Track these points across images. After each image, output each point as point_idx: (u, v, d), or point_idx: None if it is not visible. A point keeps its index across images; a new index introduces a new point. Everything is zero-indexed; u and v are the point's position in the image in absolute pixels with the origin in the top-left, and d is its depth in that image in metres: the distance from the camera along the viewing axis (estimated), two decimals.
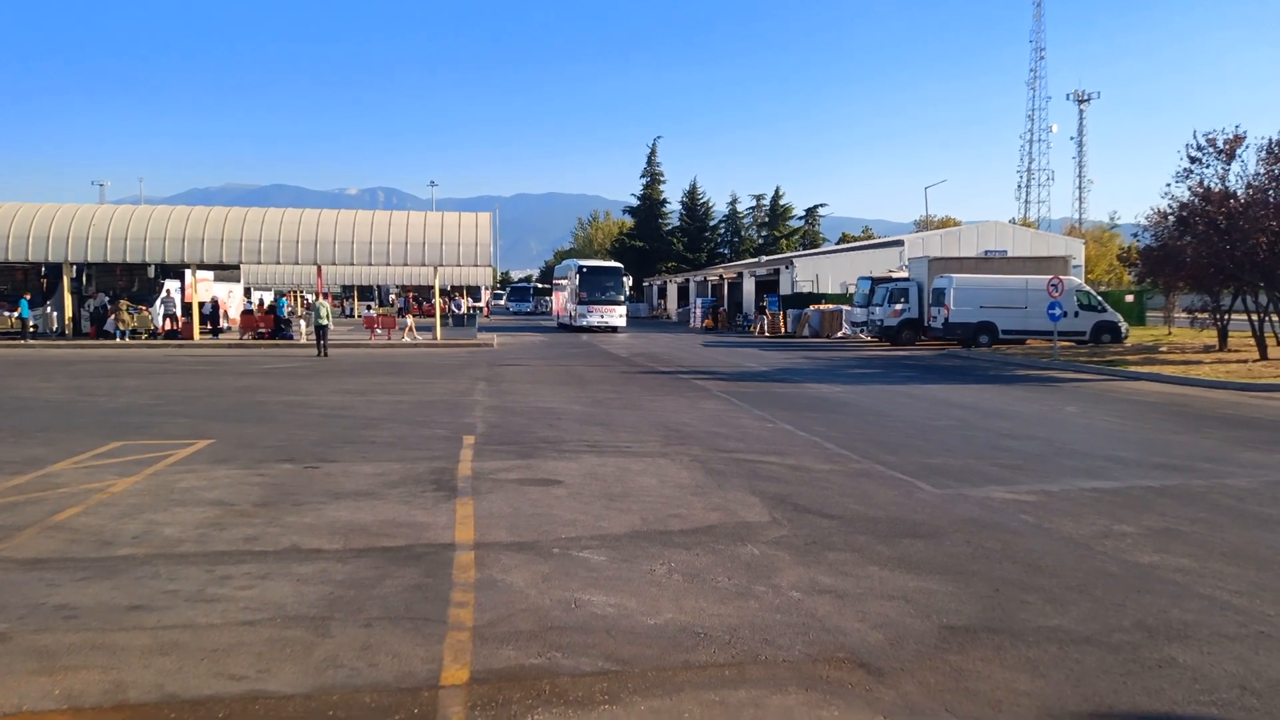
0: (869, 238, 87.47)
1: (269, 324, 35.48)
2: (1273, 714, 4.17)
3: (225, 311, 39.13)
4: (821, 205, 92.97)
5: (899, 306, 34.07)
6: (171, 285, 37.23)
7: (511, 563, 6.35)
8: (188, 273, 35.36)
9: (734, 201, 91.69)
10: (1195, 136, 22.85)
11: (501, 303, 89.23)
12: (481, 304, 67.30)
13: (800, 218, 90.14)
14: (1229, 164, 22.14)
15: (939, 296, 31.96)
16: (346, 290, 70.49)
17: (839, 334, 39.85)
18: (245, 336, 35.13)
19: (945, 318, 31.23)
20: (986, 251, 41.23)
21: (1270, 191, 20.51)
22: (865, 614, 5.42)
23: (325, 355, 27.31)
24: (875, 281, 37.20)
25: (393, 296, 67.47)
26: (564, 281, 50.12)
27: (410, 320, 36.59)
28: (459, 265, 35.06)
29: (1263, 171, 21.06)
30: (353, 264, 34.45)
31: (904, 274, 38.74)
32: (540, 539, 6.96)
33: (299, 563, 6.35)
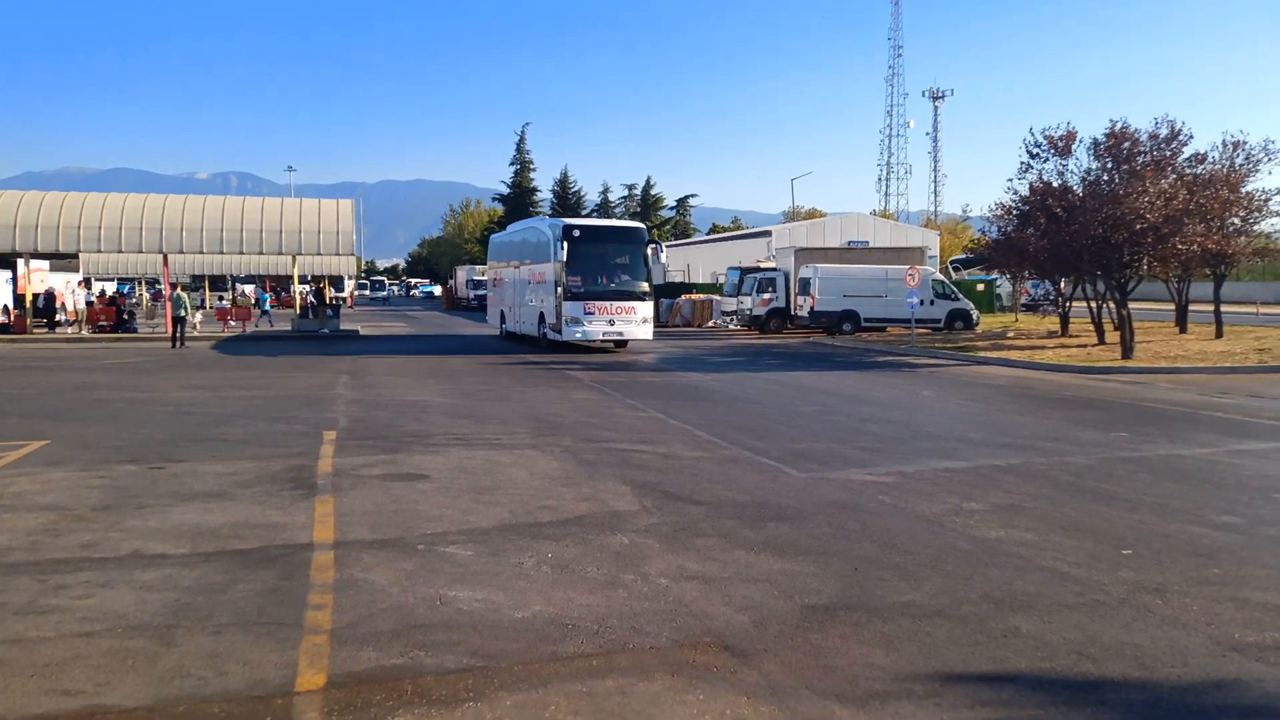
0: (739, 228, 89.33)
1: (110, 316, 33.33)
2: (1105, 676, 4.44)
3: (62, 303, 36.55)
4: (692, 196, 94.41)
5: (767, 296, 34.86)
6: (2, 275, 34.56)
7: (373, 561, 6.14)
8: (20, 262, 32.87)
9: (606, 191, 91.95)
10: (1032, 133, 24.17)
11: (365, 293, 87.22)
12: (345, 294, 65.12)
13: (671, 208, 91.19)
14: (1065, 159, 23.52)
15: (805, 286, 32.88)
16: (196, 280, 66.94)
17: (710, 323, 40.49)
18: (83, 330, 32.88)
19: (811, 306, 32.16)
20: (850, 242, 42.73)
21: (1103, 185, 21.90)
22: (731, 598, 5.49)
23: (183, 346, 26.27)
24: (744, 271, 37.95)
25: (249, 289, 64.58)
26: (517, 265, 28.99)
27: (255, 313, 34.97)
28: (319, 254, 33.78)
29: (1096, 166, 22.48)
30: (203, 253, 32.72)
31: (772, 264, 39.70)
32: (404, 535, 6.77)
33: (142, 569, 5.97)
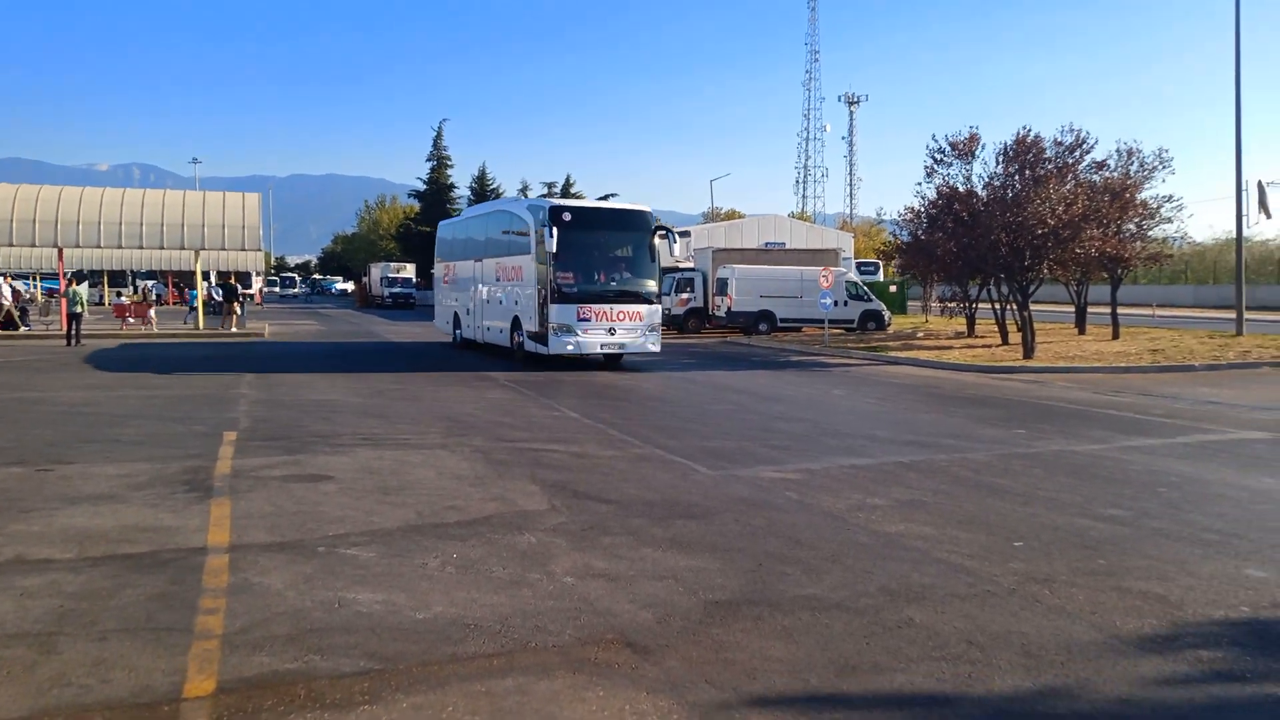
0: None
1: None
2: (993, 664, 4.59)
3: None
4: (612, 195, 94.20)
5: (685, 296, 35.10)
6: None
7: (270, 564, 5.98)
8: None
9: (524, 188, 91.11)
10: (936, 138, 24.85)
11: (275, 290, 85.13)
12: (253, 291, 63.18)
13: None
14: (969, 164, 24.27)
15: (722, 286, 33.20)
16: (94, 275, 64.18)
17: None
18: None
19: (728, 307, 32.50)
20: (766, 243, 43.28)
21: (1007, 191, 22.65)
22: (636, 595, 5.51)
23: (79, 344, 25.24)
24: (663, 271, 38.10)
25: (149, 283, 62.23)
26: (479, 258, 23.99)
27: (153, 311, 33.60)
28: (224, 249, 32.71)
29: (1000, 171, 23.24)
30: (100, 246, 31.40)
31: (690, 264, 40.01)
32: (304, 538, 6.61)
33: (23, 575, 5.70)
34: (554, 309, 19.01)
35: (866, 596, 5.53)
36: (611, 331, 19.25)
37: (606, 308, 19.21)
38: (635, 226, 20.17)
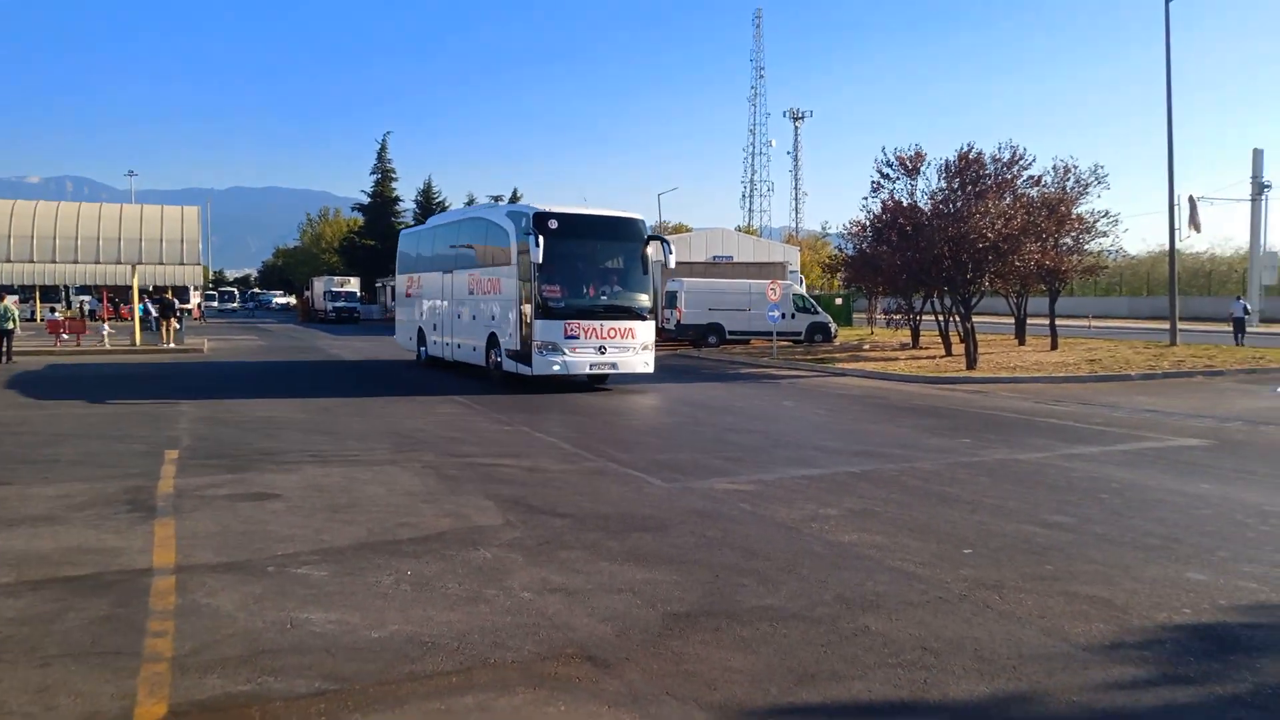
0: None
1: None
2: (948, 670, 4.66)
3: None
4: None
5: None
6: None
7: (219, 585, 5.84)
8: None
9: (471, 202, 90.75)
10: (884, 153, 25.33)
11: (214, 304, 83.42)
12: (190, 306, 61.78)
13: None
14: (914, 179, 24.77)
15: (671, 299, 33.34)
16: (25, 291, 62.21)
17: None
18: None
19: (677, 319, 32.65)
20: (715, 257, 43.54)
21: (950, 205, 23.14)
22: (594, 609, 5.50)
23: (10, 361, 24.48)
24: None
25: (85, 299, 60.53)
26: (448, 270, 22.42)
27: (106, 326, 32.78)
28: (162, 264, 31.95)
29: (943, 186, 23.75)
30: (33, 261, 30.45)
31: None
32: (253, 558, 6.47)
33: None
34: (538, 325, 17.32)
35: (823, 606, 5.59)
36: (601, 350, 17.60)
37: (596, 324, 17.58)
38: (627, 235, 18.57)
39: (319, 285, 65.70)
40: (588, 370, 17.73)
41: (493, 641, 4.96)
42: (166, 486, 8.81)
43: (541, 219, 17.21)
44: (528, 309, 17.61)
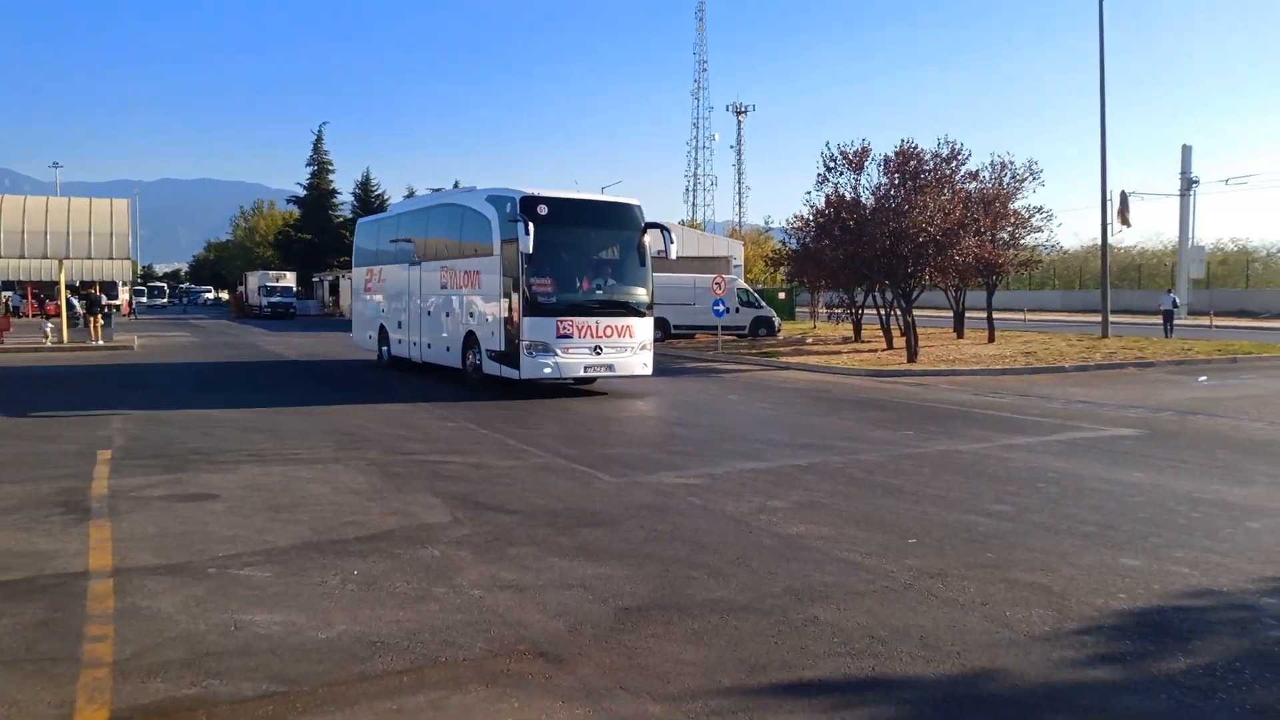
0: None
1: None
2: (894, 656, 4.75)
3: None
4: None
5: None
6: None
7: (159, 588, 5.69)
8: None
9: (411, 194, 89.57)
10: (829, 147, 25.60)
11: (143, 300, 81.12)
12: (119, 301, 60.02)
13: None
14: (858, 174, 25.10)
15: None
16: None
17: None
18: None
19: None
20: (659, 251, 43.67)
21: (891, 200, 23.50)
22: (546, 605, 5.48)
23: None
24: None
25: (8, 295, 58.45)
26: (416, 260, 20.76)
27: (49, 323, 31.54)
28: (90, 258, 30.96)
29: (885, 181, 24.11)
30: None
31: None
32: (193, 559, 6.31)
33: None
34: (527, 323, 15.69)
35: (772, 597, 5.64)
36: (597, 350, 16.11)
37: (592, 321, 16.07)
38: (624, 223, 17.00)
39: (253, 280, 64.36)
40: (581, 373, 16.32)
41: (444, 640, 4.92)
42: (100, 488, 8.56)
43: (530, 204, 15.58)
44: (514, 305, 16.01)
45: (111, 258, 31.23)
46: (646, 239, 17.03)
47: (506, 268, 16.23)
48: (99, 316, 31.33)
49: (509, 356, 16.17)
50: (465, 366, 18.00)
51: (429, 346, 19.91)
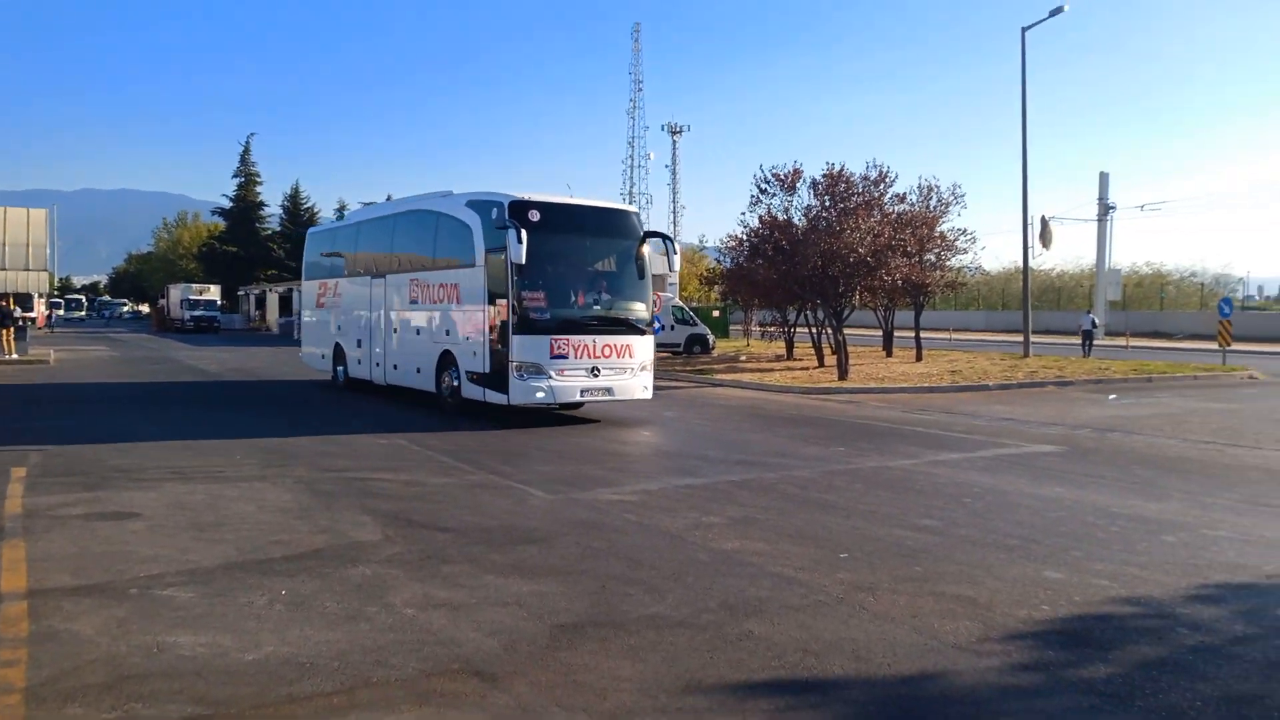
0: None
1: None
2: (828, 670, 4.82)
3: None
4: None
5: None
6: None
7: (77, 609, 5.49)
8: None
9: (342, 209, 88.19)
10: (762, 169, 25.99)
11: (60, 313, 78.29)
12: (35, 314, 57.82)
13: None
14: (791, 195, 25.53)
15: None
16: None
17: None
18: None
19: None
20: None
21: (821, 221, 23.93)
22: (480, 623, 5.43)
23: None
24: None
25: None
26: (379, 274, 19.05)
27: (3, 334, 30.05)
28: (5, 269, 29.84)
29: (816, 203, 24.55)
30: None
31: None
32: (113, 580, 6.10)
33: None
34: (517, 342, 14.05)
35: (708, 612, 5.67)
36: (595, 372, 14.59)
37: (589, 340, 14.55)
38: (622, 231, 15.59)
39: (175, 293, 62.55)
40: (577, 397, 14.97)
41: (375, 660, 4.83)
42: (14, 506, 8.22)
43: (521, 209, 14.03)
44: (501, 322, 14.34)
45: (28, 269, 30.18)
46: (645, 249, 15.68)
47: (491, 280, 14.62)
48: (12, 330, 30.10)
49: (495, 379, 14.52)
50: (440, 390, 16.27)
51: (395, 368, 18.18)
